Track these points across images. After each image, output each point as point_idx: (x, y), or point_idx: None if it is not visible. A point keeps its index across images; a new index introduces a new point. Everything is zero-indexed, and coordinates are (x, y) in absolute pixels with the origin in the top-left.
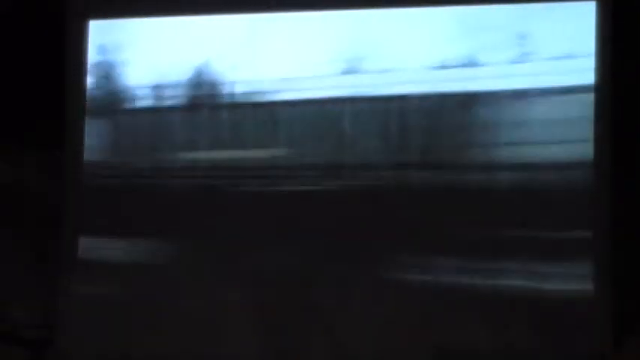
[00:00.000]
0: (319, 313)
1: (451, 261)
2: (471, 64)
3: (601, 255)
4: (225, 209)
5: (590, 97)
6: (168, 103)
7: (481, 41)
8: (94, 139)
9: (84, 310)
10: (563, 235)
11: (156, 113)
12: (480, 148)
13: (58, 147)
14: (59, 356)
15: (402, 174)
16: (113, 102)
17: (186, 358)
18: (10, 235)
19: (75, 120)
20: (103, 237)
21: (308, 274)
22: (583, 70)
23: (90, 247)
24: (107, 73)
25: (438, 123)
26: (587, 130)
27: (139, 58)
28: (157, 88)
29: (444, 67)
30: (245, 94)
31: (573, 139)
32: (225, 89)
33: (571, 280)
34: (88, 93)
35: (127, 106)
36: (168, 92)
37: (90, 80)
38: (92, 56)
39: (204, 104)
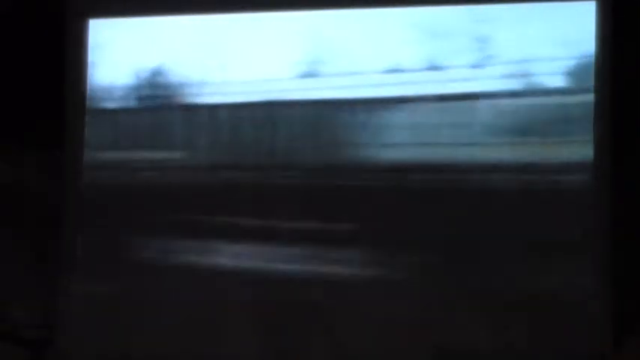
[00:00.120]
0: None
1: None
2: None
3: (601, 255)
4: None
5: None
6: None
7: (440, 45)
8: None
9: (84, 310)
10: None
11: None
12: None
13: (58, 147)
14: (59, 356)
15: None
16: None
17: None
18: (10, 235)
19: (75, 120)
20: None
21: None
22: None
23: None
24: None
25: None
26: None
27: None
28: (107, 89)
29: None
30: (176, 95)
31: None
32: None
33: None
34: None
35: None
36: (117, 93)
37: None
38: None
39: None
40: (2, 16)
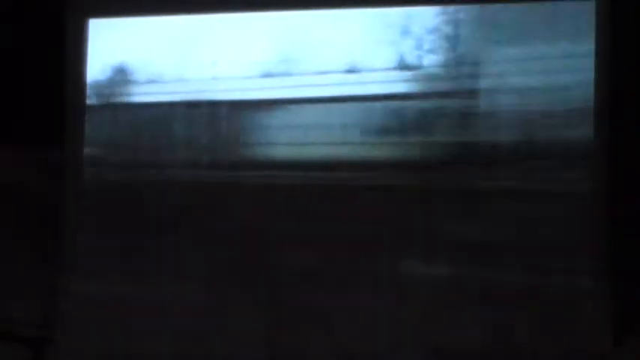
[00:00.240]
0: None
1: None
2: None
3: (601, 255)
4: None
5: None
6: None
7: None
8: None
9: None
10: None
11: None
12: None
13: (58, 147)
14: (59, 356)
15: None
16: None
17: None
18: (10, 235)
19: (75, 119)
20: None
21: None
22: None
23: None
24: None
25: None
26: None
27: None
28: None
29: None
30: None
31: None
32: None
33: None
34: None
35: None
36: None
37: None
38: None
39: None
40: (2, 16)
